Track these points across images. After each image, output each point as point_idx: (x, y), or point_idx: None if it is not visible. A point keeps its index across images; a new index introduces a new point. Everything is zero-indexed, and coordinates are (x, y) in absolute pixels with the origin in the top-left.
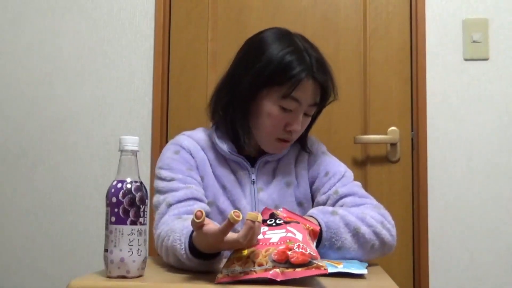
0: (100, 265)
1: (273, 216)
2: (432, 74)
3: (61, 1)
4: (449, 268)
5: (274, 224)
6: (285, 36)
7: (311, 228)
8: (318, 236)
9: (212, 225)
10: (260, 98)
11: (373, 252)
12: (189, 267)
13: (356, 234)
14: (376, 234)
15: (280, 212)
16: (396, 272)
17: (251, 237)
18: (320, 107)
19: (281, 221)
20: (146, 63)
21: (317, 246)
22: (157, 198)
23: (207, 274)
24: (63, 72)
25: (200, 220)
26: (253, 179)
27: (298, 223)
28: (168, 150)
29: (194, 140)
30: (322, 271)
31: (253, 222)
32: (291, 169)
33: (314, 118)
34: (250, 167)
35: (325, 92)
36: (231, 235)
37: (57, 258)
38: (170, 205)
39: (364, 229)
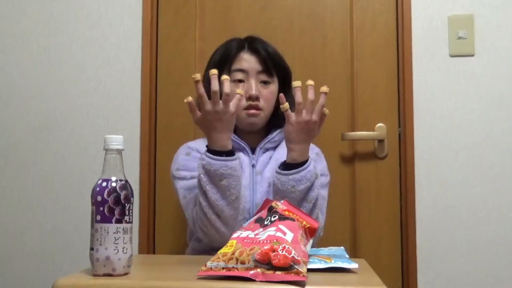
0: (86, 264)
1: (271, 209)
2: (419, 70)
3: (48, 1)
4: (437, 263)
5: (268, 223)
6: (237, 37)
7: (308, 225)
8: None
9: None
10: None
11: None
12: (211, 189)
13: (308, 191)
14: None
15: (280, 205)
16: (385, 267)
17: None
18: (281, 78)
19: (276, 217)
20: (134, 62)
21: (291, 168)
22: (183, 196)
23: (194, 270)
24: (51, 71)
25: (197, 75)
26: (253, 164)
27: (294, 220)
28: (180, 154)
29: (198, 143)
30: (300, 278)
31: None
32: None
33: (284, 92)
34: (251, 154)
35: (265, 59)
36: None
37: (44, 257)
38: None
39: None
